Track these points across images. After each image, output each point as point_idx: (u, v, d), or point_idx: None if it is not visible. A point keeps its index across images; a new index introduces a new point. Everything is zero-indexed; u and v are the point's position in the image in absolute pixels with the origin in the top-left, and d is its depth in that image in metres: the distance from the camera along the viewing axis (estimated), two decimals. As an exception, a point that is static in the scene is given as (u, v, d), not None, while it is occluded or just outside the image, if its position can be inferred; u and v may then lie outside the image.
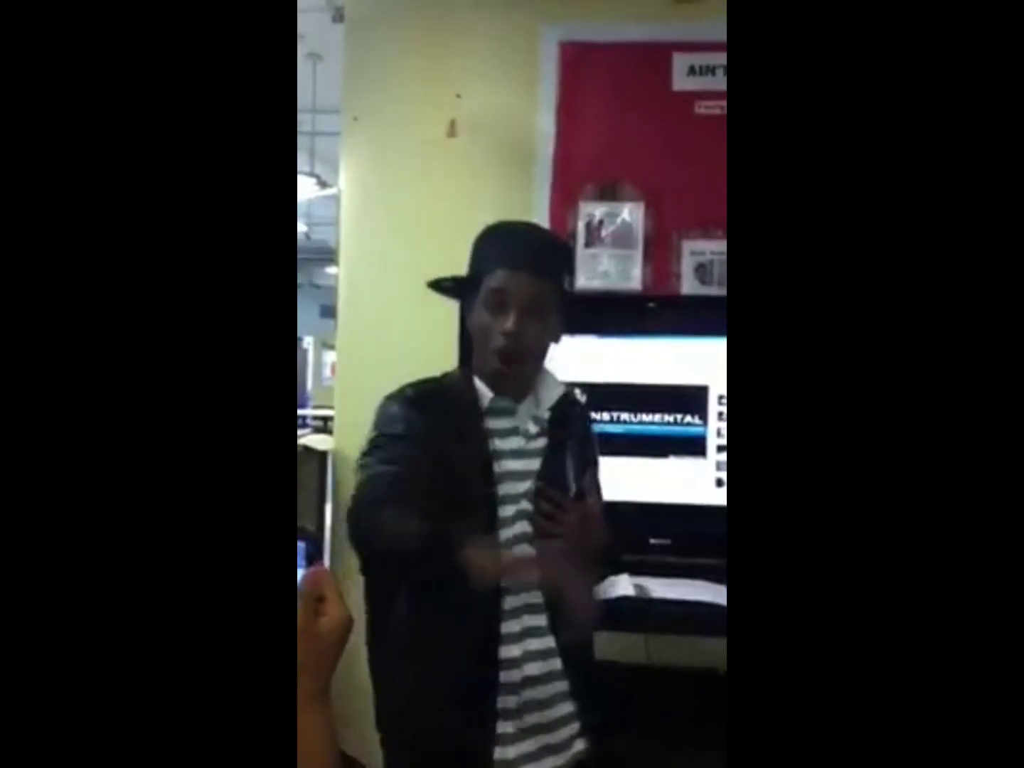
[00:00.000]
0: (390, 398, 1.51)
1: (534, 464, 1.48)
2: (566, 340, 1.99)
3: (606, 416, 2.01)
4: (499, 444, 1.47)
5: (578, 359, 2.00)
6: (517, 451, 1.48)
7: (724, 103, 2.31)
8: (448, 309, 2.20)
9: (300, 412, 5.09)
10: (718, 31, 2.24)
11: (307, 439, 3.13)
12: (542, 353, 1.51)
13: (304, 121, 5.40)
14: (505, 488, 1.45)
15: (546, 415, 1.51)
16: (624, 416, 2.01)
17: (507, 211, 2.25)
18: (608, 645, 1.70)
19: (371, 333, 2.63)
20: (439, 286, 1.59)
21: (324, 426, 3.78)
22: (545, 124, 2.36)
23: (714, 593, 1.87)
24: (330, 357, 4.85)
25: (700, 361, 2.02)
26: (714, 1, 2.29)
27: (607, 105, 2.34)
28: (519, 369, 1.46)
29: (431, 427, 1.45)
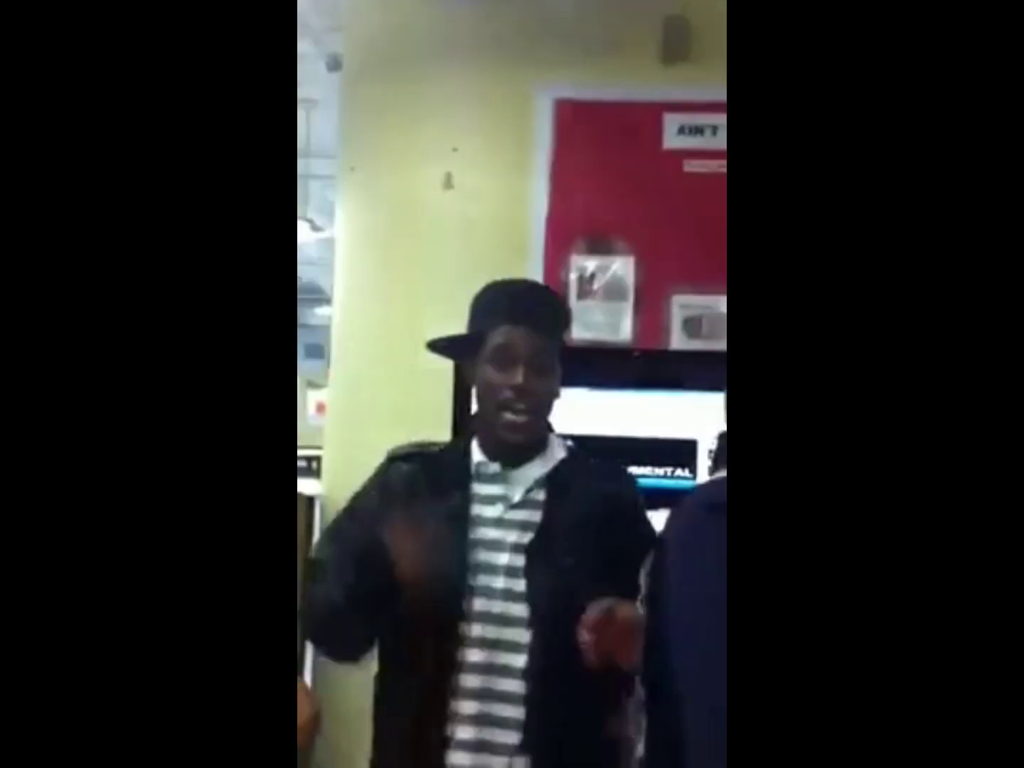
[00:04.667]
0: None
1: (513, 536, 1.42)
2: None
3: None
4: (479, 510, 1.44)
5: (569, 411, 2.03)
6: (497, 520, 1.44)
7: (712, 162, 2.37)
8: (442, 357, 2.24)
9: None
10: (707, 92, 2.34)
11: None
12: (548, 411, 1.50)
13: (297, 165, 5.42)
14: (479, 556, 1.41)
15: (530, 483, 1.45)
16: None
17: (501, 263, 2.29)
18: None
19: (364, 378, 2.65)
20: (438, 347, 1.57)
21: (308, 467, 3.77)
22: (539, 179, 2.41)
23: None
24: (314, 396, 4.84)
25: (690, 415, 2.06)
26: (704, 63, 2.36)
27: (599, 162, 2.40)
28: (526, 422, 1.43)
29: (403, 491, 1.45)
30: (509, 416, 1.43)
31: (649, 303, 2.37)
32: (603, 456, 1.61)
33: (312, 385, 4.51)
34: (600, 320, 2.36)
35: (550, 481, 1.47)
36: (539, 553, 1.41)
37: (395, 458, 1.52)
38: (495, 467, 1.47)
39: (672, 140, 2.39)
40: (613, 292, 2.37)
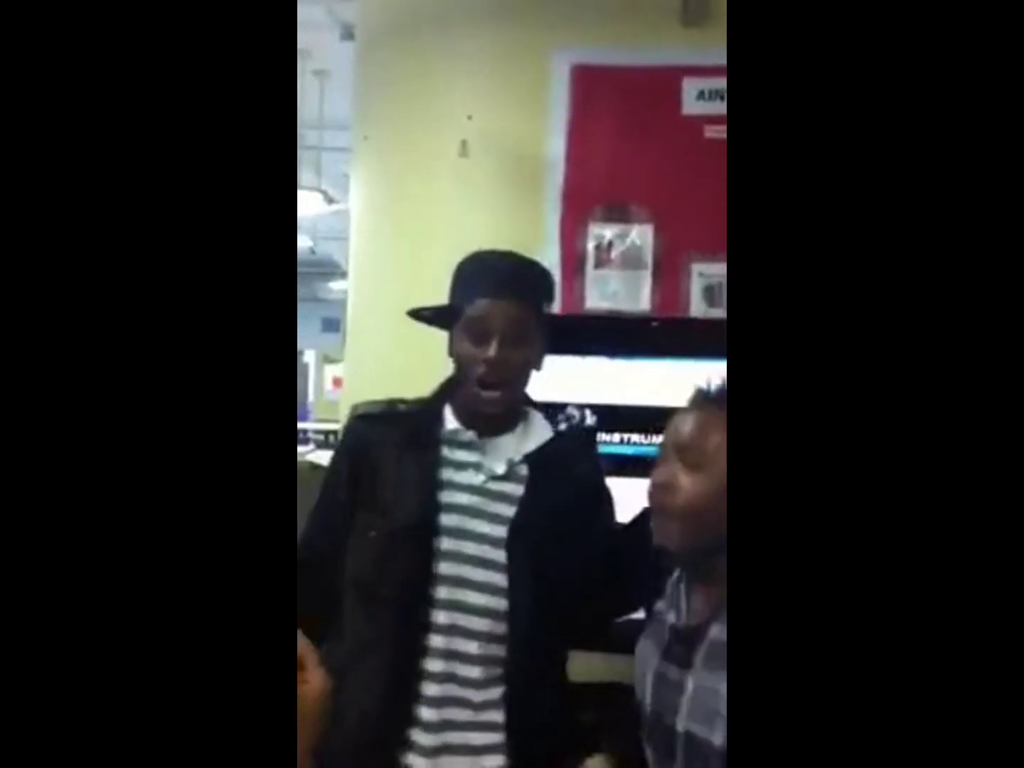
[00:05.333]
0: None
1: (495, 507, 1.45)
2: (577, 361, 2.00)
3: (616, 438, 2.02)
4: (451, 475, 1.46)
5: (588, 381, 2.02)
6: (473, 487, 1.46)
7: (733, 127, 2.33)
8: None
9: (301, 425, 5.11)
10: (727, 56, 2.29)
11: (311, 455, 3.14)
12: (523, 381, 1.50)
13: (311, 137, 5.42)
14: (449, 520, 1.43)
15: (518, 457, 1.48)
16: (634, 438, 2.02)
17: (517, 232, 2.27)
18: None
19: (379, 350, 2.65)
20: (420, 316, 1.58)
21: (326, 440, 3.80)
22: (555, 146, 2.37)
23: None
24: (331, 371, 4.86)
25: (710, 383, 2.03)
26: (723, 27, 2.31)
27: (617, 128, 2.36)
28: (500, 397, 1.45)
29: (374, 444, 1.49)
30: (485, 394, 1.44)
31: (668, 271, 2.33)
32: (590, 433, 1.75)
33: (328, 360, 4.52)
34: (618, 289, 2.33)
35: (534, 458, 1.48)
36: (522, 527, 1.43)
37: (357, 417, 1.54)
38: (470, 434, 1.48)
39: (691, 105, 2.35)
40: (631, 260, 2.33)
